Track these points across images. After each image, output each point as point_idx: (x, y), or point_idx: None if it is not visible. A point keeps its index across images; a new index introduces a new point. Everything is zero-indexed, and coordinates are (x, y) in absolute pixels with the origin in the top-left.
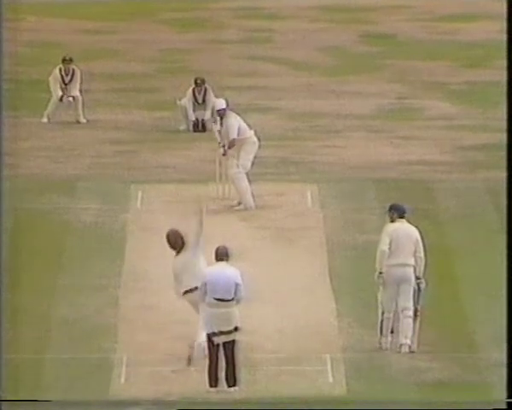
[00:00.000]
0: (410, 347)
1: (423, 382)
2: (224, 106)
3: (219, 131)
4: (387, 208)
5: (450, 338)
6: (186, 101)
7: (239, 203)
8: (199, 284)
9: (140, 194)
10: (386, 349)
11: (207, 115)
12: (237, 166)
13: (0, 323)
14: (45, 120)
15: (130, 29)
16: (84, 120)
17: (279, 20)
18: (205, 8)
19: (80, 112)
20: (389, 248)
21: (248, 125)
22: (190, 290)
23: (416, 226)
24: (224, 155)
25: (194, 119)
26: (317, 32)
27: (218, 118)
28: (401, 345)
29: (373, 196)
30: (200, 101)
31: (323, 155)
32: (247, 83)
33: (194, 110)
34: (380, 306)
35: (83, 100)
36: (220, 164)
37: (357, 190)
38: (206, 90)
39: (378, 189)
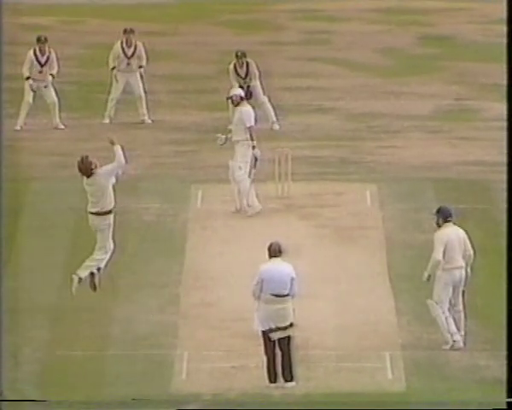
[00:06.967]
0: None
1: (482, 379)
2: (238, 92)
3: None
4: (434, 212)
5: (508, 337)
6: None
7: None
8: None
9: (200, 193)
10: (460, 347)
11: (253, 83)
12: (239, 168)
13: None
14: (107, 120)
15: (191, 31)
16: (150, 121)
17: (338, 22)
18: (264, 10)
19: (145, 112)
20: (443, 255)
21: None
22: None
23: (474, 226)
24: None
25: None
26: (376, 34)
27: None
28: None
29: (431, 196)
30: (243, 75)
31: (382, 156)
32: (307, 84)
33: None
34: (440, 305)
35: (146, 101)
36: (280, 163)
37: (416, 190)
38: (248, 63)
39: (436, 189)
